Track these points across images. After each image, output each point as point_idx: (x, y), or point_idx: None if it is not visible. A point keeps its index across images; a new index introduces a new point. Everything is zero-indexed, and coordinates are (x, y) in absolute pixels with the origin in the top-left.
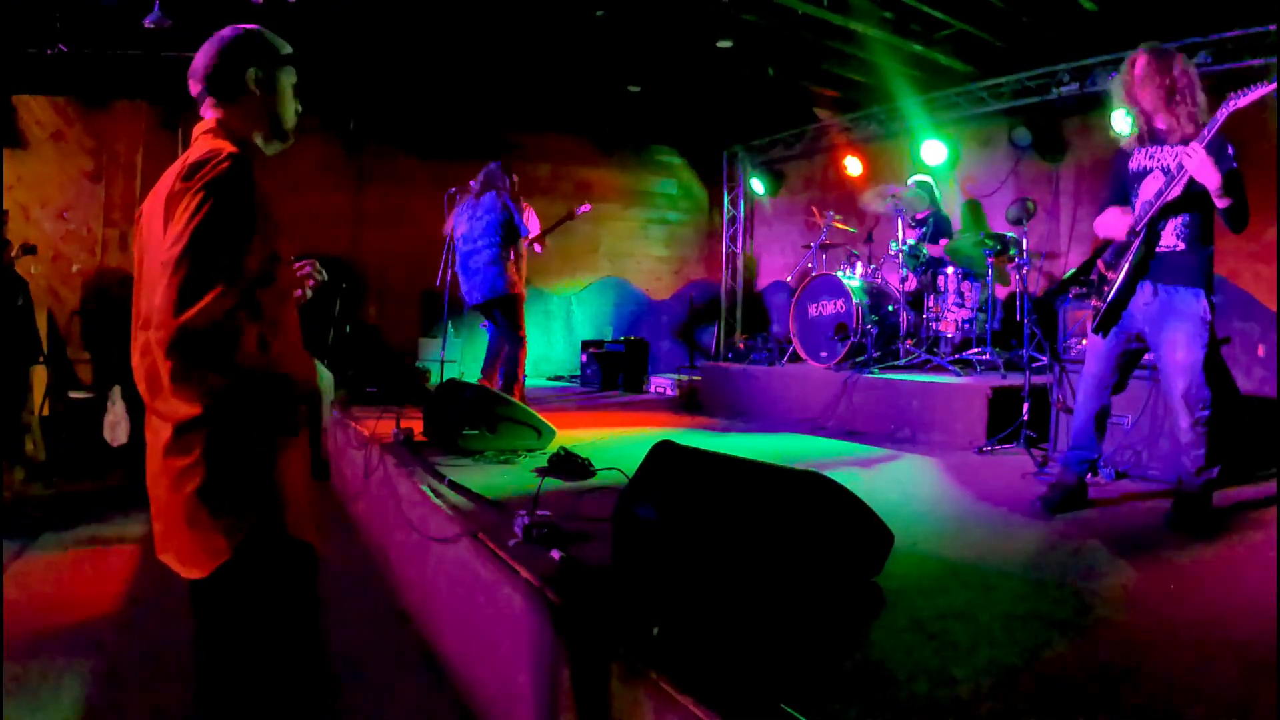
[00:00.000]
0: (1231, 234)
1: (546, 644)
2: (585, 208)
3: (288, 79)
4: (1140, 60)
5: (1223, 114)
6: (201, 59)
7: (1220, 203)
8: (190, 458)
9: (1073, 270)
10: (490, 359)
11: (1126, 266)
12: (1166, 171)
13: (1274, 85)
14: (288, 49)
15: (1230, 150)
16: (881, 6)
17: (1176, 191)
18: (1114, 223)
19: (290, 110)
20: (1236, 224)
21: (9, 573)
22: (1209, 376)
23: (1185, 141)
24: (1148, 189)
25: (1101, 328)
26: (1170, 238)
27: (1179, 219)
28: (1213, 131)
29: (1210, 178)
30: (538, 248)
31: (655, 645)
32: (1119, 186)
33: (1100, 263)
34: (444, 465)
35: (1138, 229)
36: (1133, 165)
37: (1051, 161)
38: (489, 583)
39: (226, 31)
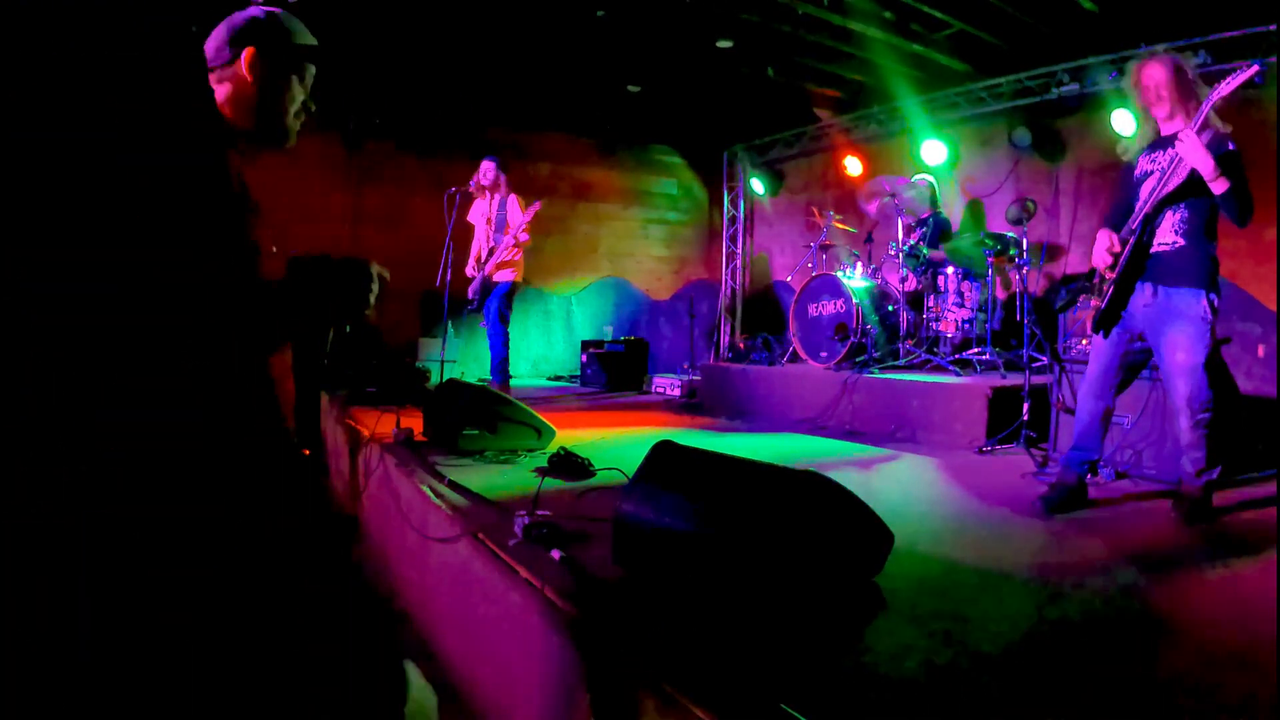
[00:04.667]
0: (1232, 234)
1: (553, 649)
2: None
3: (293, 73)
4: (1152, 63)
5: (1208, 104)
6: (210, 36)
7: (1217, 186)
8: None
9: (1078, 275)
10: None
11: (1122, 264)
12: (1164, 170)
13: (1254, 69)
14: (305, 40)
15: (1231, 145)
16: (881, 6)
17: (1174, 184)
18: (1100, 250)
19: (286, 108)
20: (1239, 212)
21: None
22: (1210, 377)
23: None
24: (1146, 190)
25: (1100, 327)
26: (1168, 234)
27: (1177, 215)
28: (1199, 120)
29: (1203, 161)
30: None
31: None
32: (1124, 195)
33: (1101, 265)
34: (444, 465)
35: (1134, 226)
36: (1136, 173)
37: (1051, 161)
38: (489, 583)
39: (245, 10)
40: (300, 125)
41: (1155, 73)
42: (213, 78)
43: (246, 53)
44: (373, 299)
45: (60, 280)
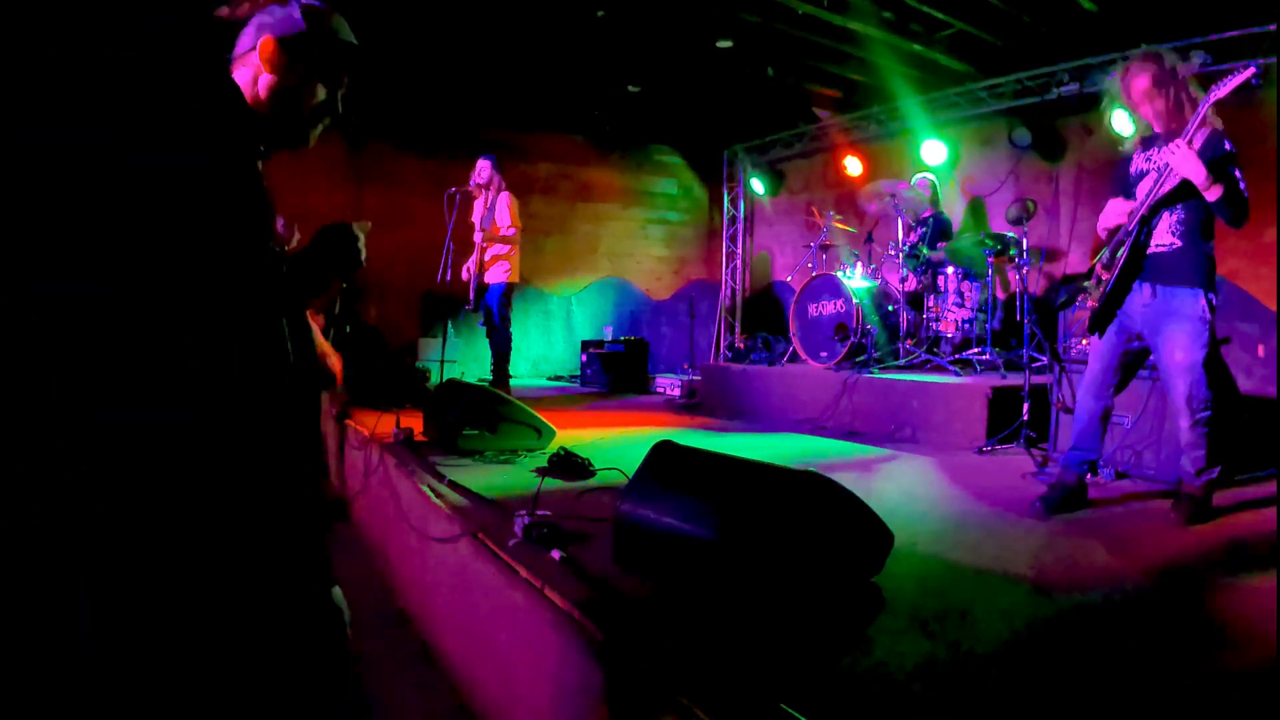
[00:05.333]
0: (1232, 234)
1: (554, 648)
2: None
3: (317, 73)
4: (1136, 69)
5: (1203, 107)
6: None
7: (1210, 194)
8: None
9: (1078, 275)
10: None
11: (1120, 264)
12: (1159, 171)
13: (1251, 70)
14: (342, 37)
15: (1227, 145)
16: (881, 6)
17: (1167, 187)
18: (1115, 210)
19: (303, 107)
20: (1233, 216)
21: None
22: (1209, 377)
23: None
24: (1143, 190)
25: (1096, 327)
26: (1165, 235)
27: (1174, 216)
28: (1195, 125)
29: (1195, 170)
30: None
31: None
32: (1121, 192)
33: (1098, 265)
34: (444, 465)
35: (1130, 228)
36: (1132, 170)
37: (1051, 161)
38: (489, 583)
39: (286, 4)
40: (322, 129)
41: (1141, 79)
42: (235, 65)
43: (264, 41)
44: (362, 252)
45: (60, 280)
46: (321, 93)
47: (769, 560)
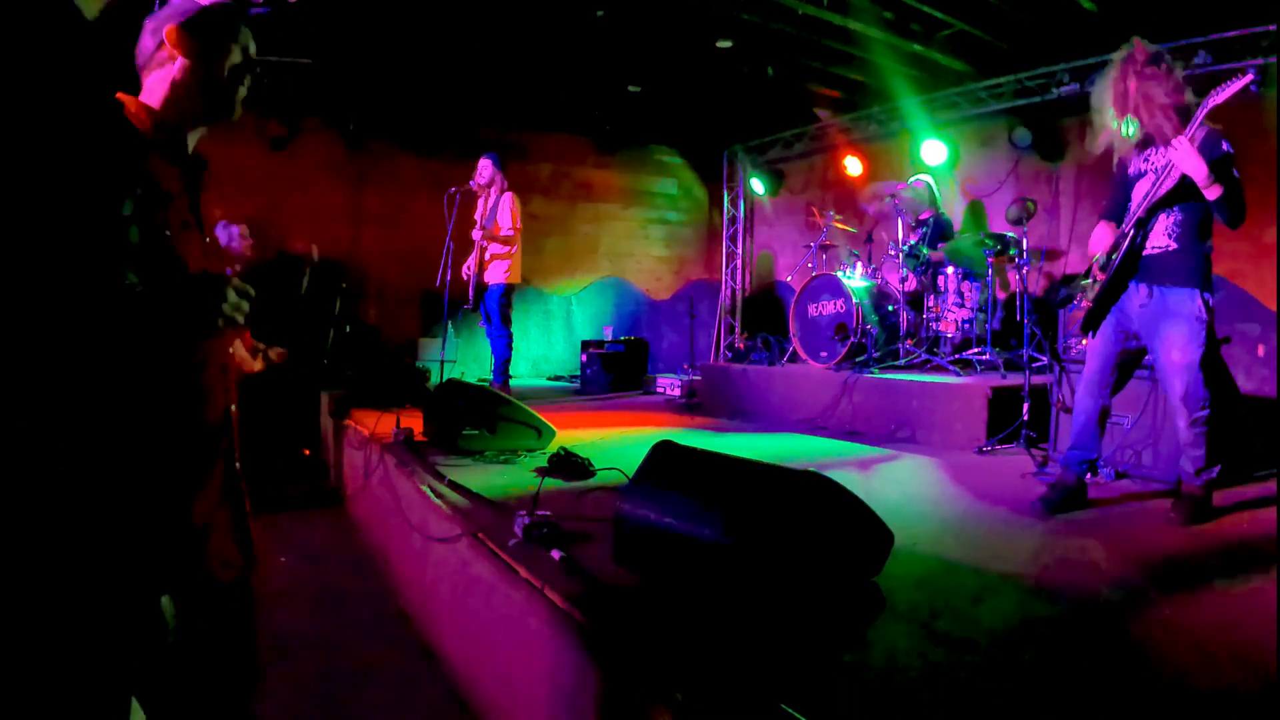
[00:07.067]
0: (1232, 234)
1: (553, 648)
2: None
3: (227, 38)
4: (1123, 70)
5: (1202, 112)
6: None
7: (1210, 192)
8: None
9: (1078, 274)
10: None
11: (1114, 266)
12: (1158, 172)
13: (1250, 77)
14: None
15: (1225, 145)
16: (881, 6)
17: (1165, 188)
18: (1098, 238)
19: (226, 76)
20: (1231, 216)
21: None
22: (1207, 376)
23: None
24: (1140, 191)
25: (1089, 327)
26: (1162, 237)
27: (1171, 218)
28: (1194, 126)
29: (1196, 168)
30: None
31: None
32: (1120, 194)
33: (1095, 265)
34: (444, 465)
35: (1126, 229)
36: (1130, 171)
37: (1051, 161)
38: (489, 583)
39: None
40: (245, 93)
41: (1123, 73)
42: (147, 71)
43: (167, 32)
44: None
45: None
46: (236, 54)
47: (769, 560)
